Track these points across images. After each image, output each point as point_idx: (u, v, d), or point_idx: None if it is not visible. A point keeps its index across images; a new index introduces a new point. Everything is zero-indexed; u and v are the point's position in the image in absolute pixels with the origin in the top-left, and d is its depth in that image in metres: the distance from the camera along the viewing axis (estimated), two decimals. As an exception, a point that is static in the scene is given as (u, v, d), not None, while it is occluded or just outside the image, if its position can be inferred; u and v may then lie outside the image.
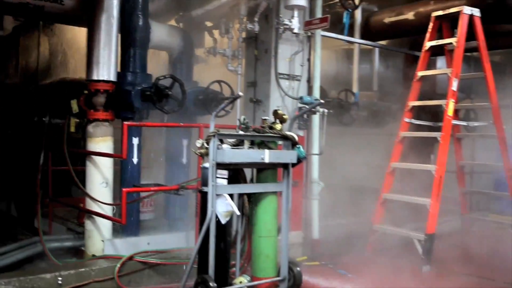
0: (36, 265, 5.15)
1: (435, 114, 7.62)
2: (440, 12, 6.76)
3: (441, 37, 6.93)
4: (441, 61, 8.52)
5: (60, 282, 4.59)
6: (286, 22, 5.97)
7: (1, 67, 8.19)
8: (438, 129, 6.59)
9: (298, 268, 5.04)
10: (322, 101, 6.12)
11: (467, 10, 6.49)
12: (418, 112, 7.16)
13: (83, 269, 4.80)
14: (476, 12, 6.56)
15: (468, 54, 8.52)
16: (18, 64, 8.11)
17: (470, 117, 8.62)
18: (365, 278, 5.67)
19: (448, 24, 6.93)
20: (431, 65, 7.82)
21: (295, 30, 6.04)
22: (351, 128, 8.20)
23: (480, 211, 8.84)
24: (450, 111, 6.34)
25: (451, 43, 6.67)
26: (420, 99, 6.91)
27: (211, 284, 4.38)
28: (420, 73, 6.85)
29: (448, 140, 6.37)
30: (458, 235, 7.89)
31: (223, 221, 4.60)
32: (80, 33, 6.87)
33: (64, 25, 7.03)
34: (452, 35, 6.79)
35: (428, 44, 6.82)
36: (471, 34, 6.66)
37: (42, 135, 6.44)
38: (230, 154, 4.54)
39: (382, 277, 5.71)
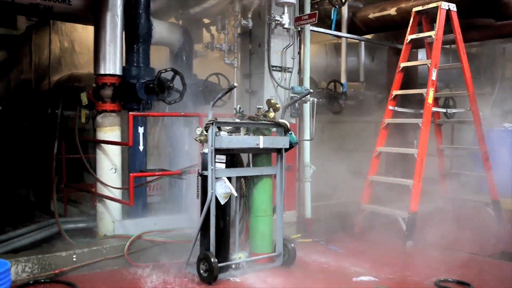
0: (53, 245, 5.17)
1: (417, 103, 7.64)
2: (420, 8, 6.75)
3: (421, 31, 6.92)
4: (422, 53, 8.52)
5: (75, 259, 4.63)
6: (277, 18, 5.96)
7: (16, 64, 8.17)
8: (419, 116, 6.60)
9: (292, 245, 5.09)
10: (311, 90, 6.13)
11: (445, 5, 6.48)
12: (402, 100, 7.17)
13: (95, 248, 4.82)
14: (453, 7, 6.56)
15: (447, 46, 8.53)
16: (31, 61, 8.09)
17: (449, 104, 8.64)
18: (355, 253, 5.72)
19: (428, 18, 6.92)
20: (413, 57, 7.82)
21: (286, 26, 6.03)
22: (340, 116, 8.24)
23: (459, 191, 8.88)
24: (430, 99, 6.35)
25: (430, 36, 6.65)
26: (402, 88, 6.92)
27: (212, 259, 4.43)
28: (402, 64, 6.84)
29: (429, 126, 6.38)
30: (439, 213, 7.93)
31: (222, 202, 4.65)
32: (87, 31, 6.86)
33: (73, 24, 7.02)
34: (431, 28, 6.78)
35: (409, 37, 6.81)
36: (449, 28, 6.67)
37: (55, 126, 6.44)
38: (227, 140, 4.57)
39: (370, 252, 5.76)
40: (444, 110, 7.77)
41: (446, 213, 7.92)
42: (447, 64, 7.73)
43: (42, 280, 4.37)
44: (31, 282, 4.29)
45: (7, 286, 3.09)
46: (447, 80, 9.35)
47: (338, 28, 7.74)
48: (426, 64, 6.60)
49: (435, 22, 6.55)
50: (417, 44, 7.23)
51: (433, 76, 6.40)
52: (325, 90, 7.67)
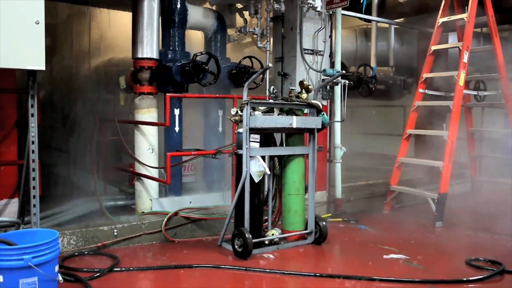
0: (95, 220, 5.27)
1: (447, 86, 7.45)
2: (452, -10, 6.57)
3: (452, 14, 6.73)
4: (452, 37, 8.28)
5: (116, 233, 4.72)
6: (310, 1, 5.87)
7: (58, 50, 8.30)
8: (450, 99, 6.45)
9: (323, 223, 5.06)
10: (343, 71, 6.05)
11: (478, -14, 6.28)
12: (431, 84, 7.00)
13: (135, 223, 4.90)
14: (487, -12, 6.35)
15: (478, 30, 8.26)
16: (72, 47, 8.21)
17: (479, 88, 8.41)
18: (384, 232, 5.67)
19: (459, 1, 6.73)
20: (443, 40, 7.61)
21: (318, 9, 5.95)
22: (369, 99, 8.11)
23: (489, 174, 8.68)
24: (461, 81, 6.19)
25: (462, 19, 6.48)
26: (433, 72, 6.76)
27: (246, 235, 4.45)
28: (433, 47, 6.69)
29: (459, 108, 6.22)
30: (468, 195, 7.79)
31: (256, 180, 4.65)
32: (124, 17, 6.91)
33: (110, 10, 7.06)
34: (463, 11, 6.59)
35: (440, 20, 6.64)
36: (481, 11, 6.46)
37: (95, 109, 6.54)
38: (262, 120, 4.55)
39: (400, 231, 5.70)
40: (475, 93, 7.57)
41: (475, 195, 7.76)
42: (479, 47, 7.49)
43: (86, 252, 4.48)
44: (76, 254, 4.40)
45: (57, 253, 3.17)
46: (478, 66, 9.06)
47: (368, 12, 7.59)
48: (457, 46, 6.42)
49: (467, 5, 6.35)
50: (447, 27, 7.03)
51: (465, 58, 6.23)
52: (355, 74, 7.55)
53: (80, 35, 8.09)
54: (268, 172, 4.73)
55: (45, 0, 3.70)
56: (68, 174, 7.61)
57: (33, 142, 3.88)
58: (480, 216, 6.50)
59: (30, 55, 3.62)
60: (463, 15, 6.42)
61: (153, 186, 5.61)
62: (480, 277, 4.07)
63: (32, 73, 3.81)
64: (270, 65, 4.86)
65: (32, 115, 3.85)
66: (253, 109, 4.64)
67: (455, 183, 7.77)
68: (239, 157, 4.62)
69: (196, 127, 6.51)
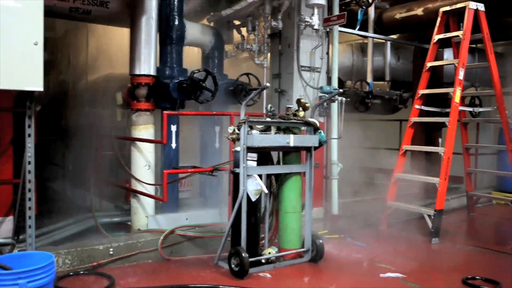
0: (90, 238, 5.21)
1: (443, 102, 7.48)
2: (447, 8, 6.61)
3: (448, 31, 6.77)
4: (448, 53, 8.35)
5: (111, 252, 4.66)
6: (307, 19, 5.92)
7: (55, 65, 8.29)
8: (445, 115, 6.47)
9: (320, 241, 5.04)
10: (340, 90, 6.07)
11: (473, 5, 6.33)
12: (427, 100, 7.03)
13: (131, 242, 4.84)
14: (481, 6, 6.40)
15: (473, 45, 8.33)
16: (69, 62, 8.21)
17: (475, 103, 8.45)
18: (381, 249, 5.65)
19: (455, 18, 6.76)
20: (438, 56, 7.66)
21: (315, 27, 5.98)
22: (365, 114, 8.13)
23: (484, 189, 8.73)
24: (457, 98, 6.22)
25: (458, 36, 6.52)
26: (428, 88, 6.79)
27: (243, 254, 4.42)
28: (429, 64, 6.71)
29: (455, 124, 6.24)
30: (464, 210, 7.79)
31: (253, 199, 4.63)
32: (122, 34, 6.94)
33: (108, 26, 7.08)
34: (458, 28, 6.64)
35: (436, 37, 6.68)
36: (476, 27, 6.51)
37: (93, 124, 6.52)
38: (259, 138, 4.55)
39: (396, 249, 5.68)
40: (470, 109, 7.60)
41: (470, 210, 7.77)
42: (474, 64, 7.55)
43: (81, 272, 4.42)
44: (71, 273, 4.35)
45: (53, 277, 3.14)
46: (472, 79, 9.13)
47: (364, 28, 7.64)
48: (453, 63, 6.46)
49: (462, 22, 6.40)
50: (443, 44, 7.08)
51: (460, 75, 6.27)
52: (352, 89, 7.58)
53: (77, 50, 8.08)
54: (266, 191, 4.71)
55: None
56: (63, 189, 7.56)
57: (29, 162, 3.85)
58: (476, 232, 6.50)
59: (28, 76, 3.60)
60: (459, 33, 6.47)
61: (149, 202, 5.57)
62: (477, 297, 4.06)
63: (30, 93, 3.80)
64: (268, 84, 4.87)
65: (29, 135, 3.83)
66: (251, 127, 4.63)
67: (451, 198, 7.79)
68: (236, 176, 4.61)
69: (193, 143, 6.49)
